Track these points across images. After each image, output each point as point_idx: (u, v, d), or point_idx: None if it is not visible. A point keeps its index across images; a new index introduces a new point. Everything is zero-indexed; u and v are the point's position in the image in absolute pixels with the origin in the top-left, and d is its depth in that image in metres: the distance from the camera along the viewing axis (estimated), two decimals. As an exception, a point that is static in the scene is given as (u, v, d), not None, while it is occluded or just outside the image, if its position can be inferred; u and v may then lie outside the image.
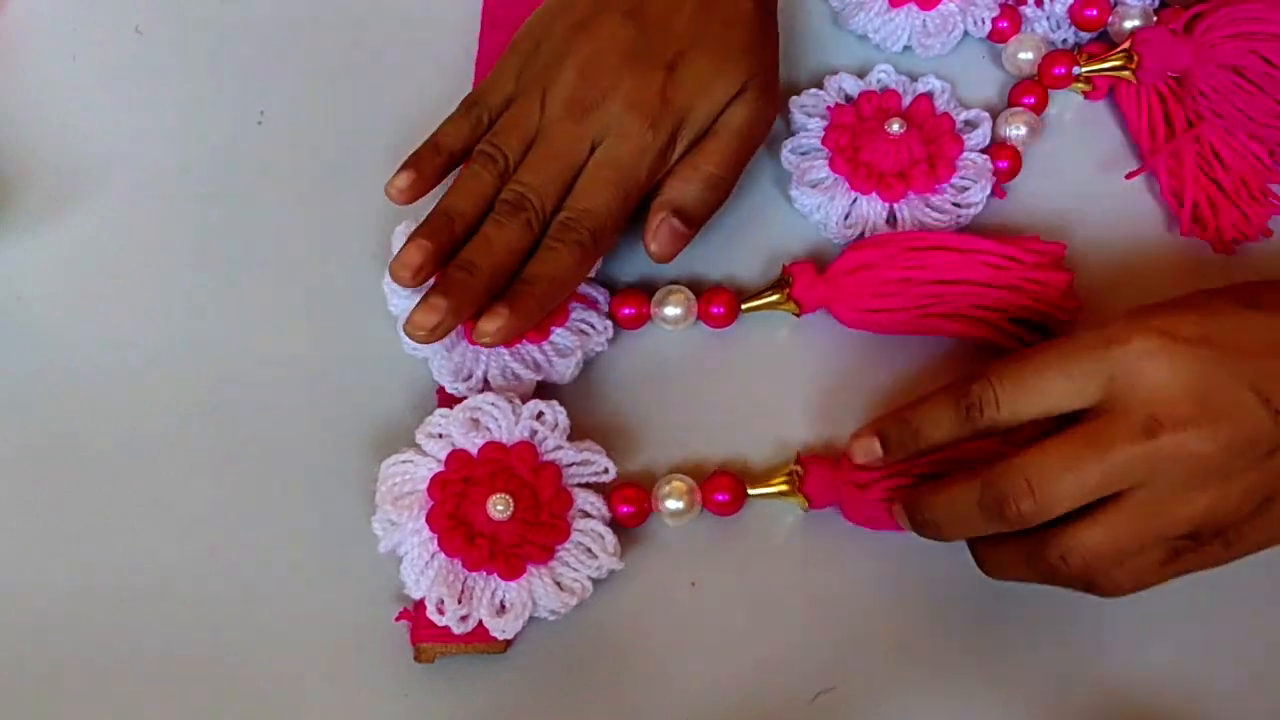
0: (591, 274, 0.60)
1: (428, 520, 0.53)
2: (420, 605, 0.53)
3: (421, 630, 0.53)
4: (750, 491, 0.56)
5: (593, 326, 0.59)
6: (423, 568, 0.53)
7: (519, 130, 0.57)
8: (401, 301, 0.57)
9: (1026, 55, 0.64)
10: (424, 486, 0.54)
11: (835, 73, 0.64)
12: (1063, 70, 0.63)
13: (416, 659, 0.53)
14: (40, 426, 0.59)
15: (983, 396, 0.49)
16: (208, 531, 0.56)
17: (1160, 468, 0.46)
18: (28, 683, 0.54)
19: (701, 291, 0.60)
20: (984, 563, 0.52)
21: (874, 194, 0.61)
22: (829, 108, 0.63)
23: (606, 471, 0.55)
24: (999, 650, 0.54)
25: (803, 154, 0.62)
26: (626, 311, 0.59)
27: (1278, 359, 0.47)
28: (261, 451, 0.58)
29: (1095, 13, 0.64)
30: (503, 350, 0.57)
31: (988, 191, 0.61)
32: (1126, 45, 0.63)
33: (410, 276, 0.54)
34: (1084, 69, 0.63)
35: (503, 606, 0.53)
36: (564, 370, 0.58)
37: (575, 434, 0.56)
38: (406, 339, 0.56)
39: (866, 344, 0.59)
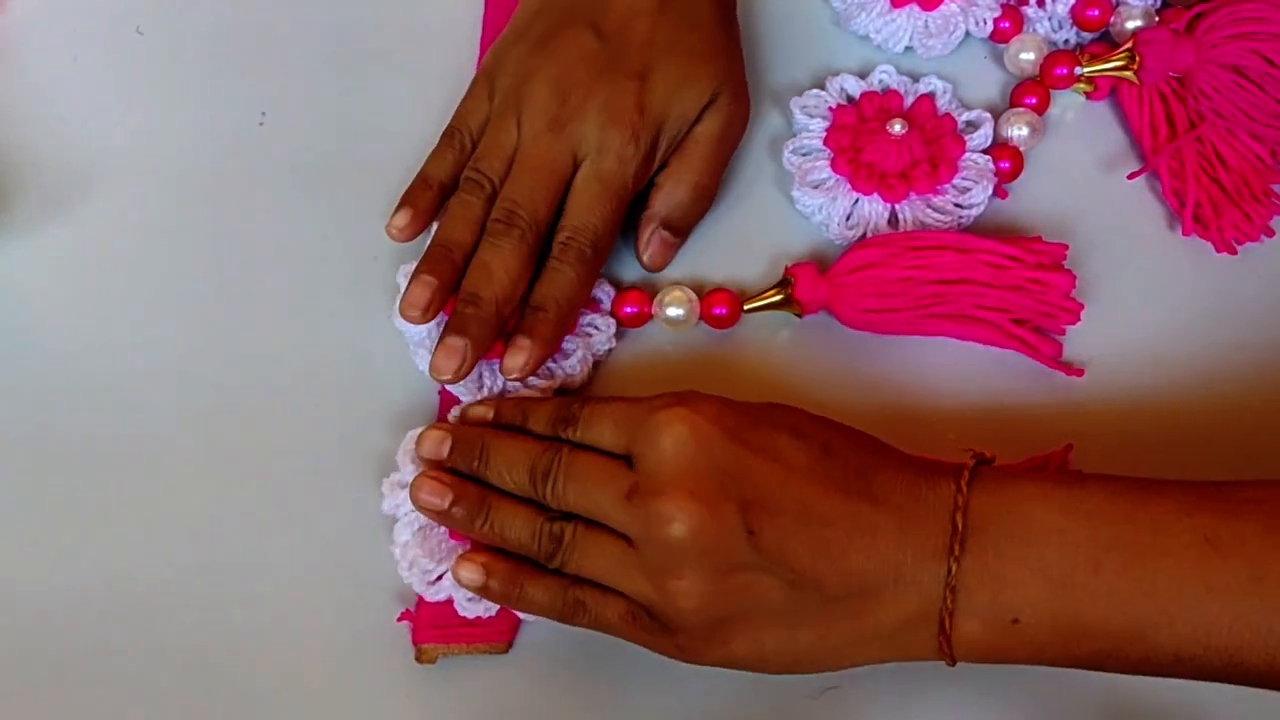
0: (594, 273, 0.60)
1: None
2: (421, 606, 0.53)
3: (423, 631, 0.53)
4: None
5: (597, 328, 0.59)
6: (415, 530, 0.53)
7: (499, 152, 0.58)
8: (415, 329, 0.57)
9: (1028, 56, 0.64)
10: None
11: (837, 73, 0.64)
12: (1064, 71, 0.63)
13: (418, 660, 0.53)
14: (40, 426, 0.58)
15: (570, 416, 0.52)
16: (209, 532, 0.56)
17: (637, 532, 0.49)
18: (26, 682, 0.54)
19: (704, 292, 0.60)
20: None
21: (875, 195, 0.60)
22: (830, 108, 0.63)
23: None
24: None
25: (804, 155, 0.62)
26: (629, 310, 0.59)
27: (776, 481, 0.48)
28: (262, 452, 0.58)
29: (1097, 13, 0.64)
30: None
31: (989, 192, 0.61)
32: (1128, 46, 0.63)
33: (421, 315, 0.55)
34: (1086, 69, 0.63)
35: None
36: (574, 373, 0.58)
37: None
38: (422, 366, 0.57)
39: (869, 346, 0.59)
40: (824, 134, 0.62)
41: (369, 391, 0.59)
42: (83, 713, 0.54)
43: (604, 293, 0.60)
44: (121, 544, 0.56)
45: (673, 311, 0.59)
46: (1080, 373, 0.59)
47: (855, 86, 0.64)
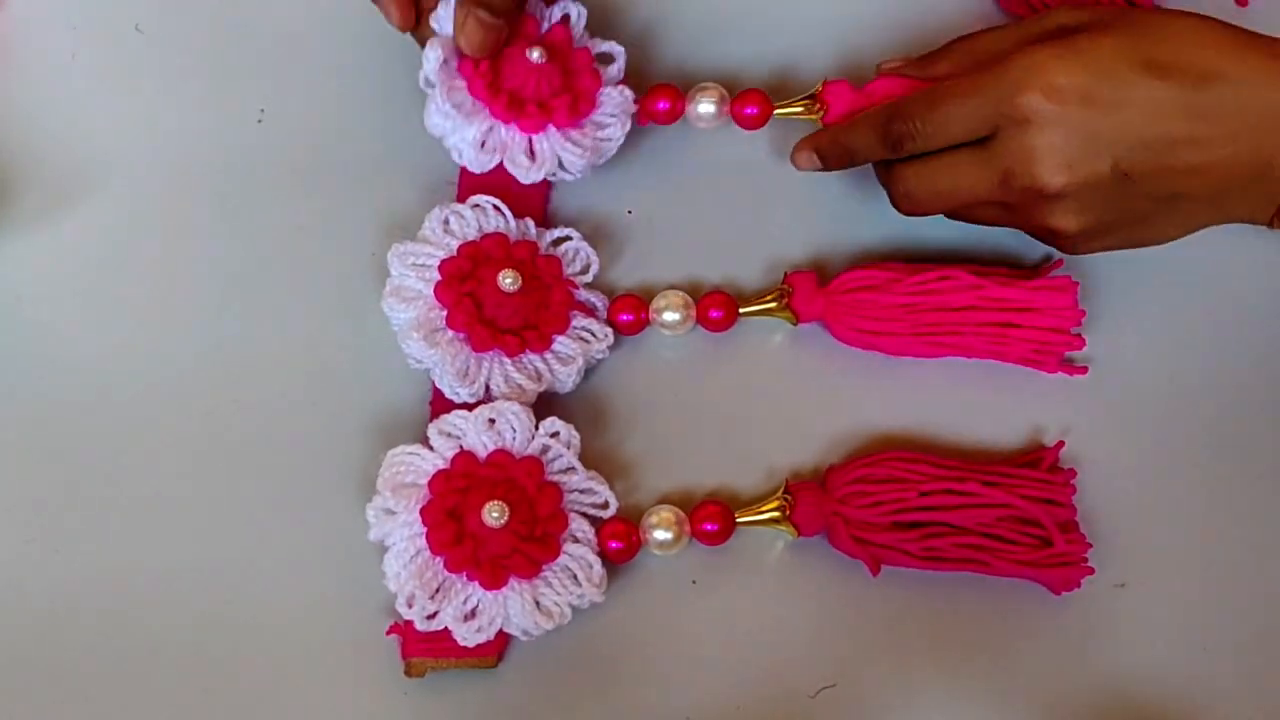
0: (589, 279, 0.60)
1: (422, 514, 0.53)
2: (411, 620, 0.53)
3: (412, 644, 0.53)
4: (739, 519, 0.56)
5: (593, 334, 0.58)
6: (406, 561, 0.53)
7: None
8: (403, 316, 0.57)
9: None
10: (425, 480, 0.54)
11: None
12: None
13: (407, 673, 0.54)
14: (39, 425, 0.59)
15: (902, 133, 0.55)
16: (203, 536, 0.57)
17: (1016, 210, 0.55)
18: (21, 680, 0.55)
19: (700, 295, 0.60)
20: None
21: (514, 125, 0.59)
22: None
23: (606, 506, 0.55)
24: (998, 650, 0.55)
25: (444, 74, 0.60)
26: (625, 318, 0.59)
27: (1141, 126, 0.51)
28: (256, 455, 0.58)
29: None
30: (505, 359, 0.57)
31: (628, 127, 0.61)
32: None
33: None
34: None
35: (473, 614, 0.53)
36: (565, 379, 0.58)
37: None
38: (409, 352, 0.57)
39: (860, 356, 0.59)
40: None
41: (363, 392, 0.59)
42: (74, 716, 0.54)
43: (599, 300, 0.59)
44: (118, 544, 0.56)
45: (669, 316, 0.59)
46: (1084, 370, 0.59)
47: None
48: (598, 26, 0.63)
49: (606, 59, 0.62)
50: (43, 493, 0.57)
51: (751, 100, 0.62)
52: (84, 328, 0.61)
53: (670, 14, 0.66)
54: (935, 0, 0.67)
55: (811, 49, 0.66)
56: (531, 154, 0.60)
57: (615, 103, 0.60)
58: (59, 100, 0.65)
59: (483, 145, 0.59)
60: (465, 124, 0.59)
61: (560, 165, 0.60)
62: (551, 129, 0.60)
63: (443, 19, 0.58)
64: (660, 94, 0.62)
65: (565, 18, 0.62)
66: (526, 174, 0.59)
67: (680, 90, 0.62)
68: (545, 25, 0.61)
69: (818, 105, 0.61)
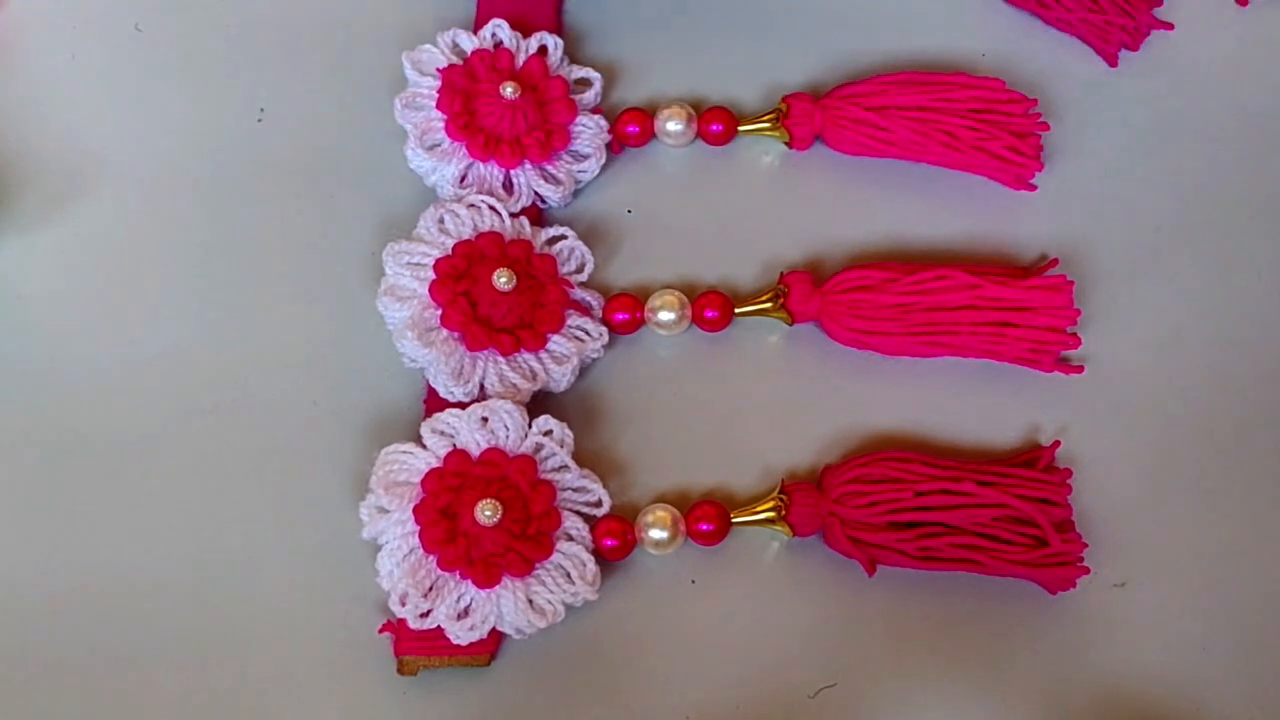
0: (584, 278, 0.60)
1: (415, 512, 0.53)
2: (404, 618, 0.53)
3: (405, 643, 0.53)
4: (734, 519, 0.56)
5: (588, 333, 0.59)
6: (399, 559, 0.53)
7: None
8: (397, 315, 0.57)
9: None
10: (418, 479, 0.54)
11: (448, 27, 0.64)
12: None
13: (399, 672, 0.53)
14: (39, 425, 0.59)
15: None
16: (196, 534, 0.57)
17: None
18: (19, 678, 0.54)
19: (695, 294, 0.60)
20: None
21: (492, 161, 0.61)
22: (440, 69, 0.63)
23: (600, 504, 0.55)
24: (998, 650, 0.54)
25: (418, 110, 0.62)
26: (620, 317, 0.59)
27: None
28: (253, 454, 0.58)
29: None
30: (500, 359, 0.57)
31: (604, 158, 0.62)
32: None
33: None
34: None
35: (466, 612, 0.53)
36: (560, 378, 0.58)
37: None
38: (404, 351, 0.57)
39: (856, 356, 0.59)
40: (435, 95, 0.62)
41: (357, 391, 0.59)
42: (67, 712, 0.54)
43: (594, 299, 0.59)
44: (117, 542, 0.56)
45: (665, 316, 0.59)
46: (1080, 369, 0.59)
47: (467, 42, 0.63)
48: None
49: (584, 84, 0.63)
50: (42, 492, 0.57)
51: (717, 118, 0.63)
52: (83, 327, 0.61)
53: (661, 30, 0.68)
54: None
55: (808, 49, 0.66)
56: (509, 187, 0.61)
57: (591, 133, 0.62)
58: (59, 100, 0.65)
59: (462, 180, 0.61)
60: (444, 163, 0.61)
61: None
62: (527, 164, 0.61)
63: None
64: (628, 119, 0.63)
65: (542, 49, 0.63)
66: (504, 207, 0.60)
67: (648, 113, 0.64)
68: (522, 57, 0.63)
69: (782, 121, 0.63)
